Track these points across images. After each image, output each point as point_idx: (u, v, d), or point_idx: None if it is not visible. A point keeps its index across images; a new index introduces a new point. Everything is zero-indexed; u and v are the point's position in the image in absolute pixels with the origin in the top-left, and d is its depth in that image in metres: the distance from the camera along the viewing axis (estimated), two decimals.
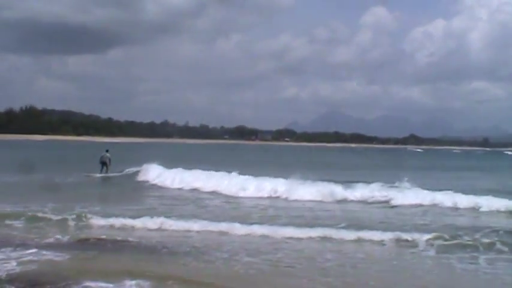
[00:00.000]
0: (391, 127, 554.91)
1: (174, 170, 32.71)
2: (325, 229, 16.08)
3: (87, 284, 10.17)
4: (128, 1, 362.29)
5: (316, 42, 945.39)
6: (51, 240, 14.55)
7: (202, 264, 12.38)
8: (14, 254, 12.51)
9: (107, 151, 37.92)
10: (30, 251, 12.87)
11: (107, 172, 36.73)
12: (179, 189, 29.25)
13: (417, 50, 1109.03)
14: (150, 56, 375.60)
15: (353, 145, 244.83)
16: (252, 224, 17.06)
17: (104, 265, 11.94)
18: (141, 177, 33.87)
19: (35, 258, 12.21)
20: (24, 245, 13.50)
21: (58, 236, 14.89)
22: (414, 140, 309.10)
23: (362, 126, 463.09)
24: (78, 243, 14.25)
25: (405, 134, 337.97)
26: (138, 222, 16.78)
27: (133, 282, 10.33)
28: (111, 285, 10.17)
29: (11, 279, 10.55)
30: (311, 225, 16.94)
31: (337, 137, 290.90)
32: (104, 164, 37.06)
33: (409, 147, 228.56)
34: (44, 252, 12.80)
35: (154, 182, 31.78)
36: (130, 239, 14.85)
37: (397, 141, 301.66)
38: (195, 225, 16.39)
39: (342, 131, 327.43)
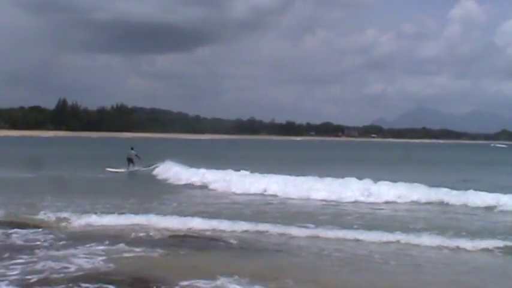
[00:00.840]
0: (482, 122, 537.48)
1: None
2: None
3: (186, 281, 10.14)
4: (215, 0, 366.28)
5: (403, 37, 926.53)
6: (139, 235, 14.75)
7: (296, 259, 12.60)
8: (106, 249, 12.70)
9: (132, 148, 38.88)
10: (120, 246, 13.06)
11: (133, 167, 37.78)
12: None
13: (509, 43, 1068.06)
14: (237, 53, 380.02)
15: (441, 141, 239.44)
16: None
17: (197, 263, 11.96)
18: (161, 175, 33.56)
19: (129, 255, 12.36)
20: (115, 240, 13.71)
21: (143, 233, 15.00)
22: (507, 135, 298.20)
23: (451, 122, 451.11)
24: (166, 240, 14.26)
25: (497, 130, 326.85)
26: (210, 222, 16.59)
27: (231, 279, 10.30)
28: (210, 283, 10.14)
29: (110, 273, 10.68)
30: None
31: (425, 133, 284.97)
32: (130, 160, 38.23)
33: (496, 142, 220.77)
34: (136, 248, 12.91)
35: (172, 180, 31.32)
36: (215, 236, 14.85)
37: (488, 137, 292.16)
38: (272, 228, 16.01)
39: (430, 127, 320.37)
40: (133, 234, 14.79)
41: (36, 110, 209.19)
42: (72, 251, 12.44)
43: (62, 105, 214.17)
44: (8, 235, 14.17)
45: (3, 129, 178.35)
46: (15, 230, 14.74)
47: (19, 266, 11.02)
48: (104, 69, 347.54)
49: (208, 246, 13.76)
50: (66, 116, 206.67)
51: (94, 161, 43.08)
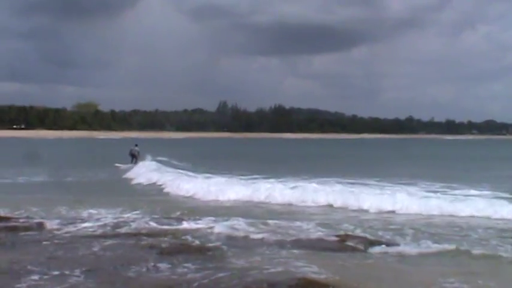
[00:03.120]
0: None
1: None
2: None
3: None
4: None
5: None
6: (300, 237, 13.78)
7: None
8: (281, 253, 11.87)
9: (136, 145, 41.81)
10: (301, 251, 12.15)
11: (136, 163, 38.83)
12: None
13: None
14: (393, 52, 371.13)
15: None
16: None
17: (402, 269, 10.94)
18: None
19: (324, 261, 11.24)
20: (286, 244, 12.86)
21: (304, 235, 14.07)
22: None
23: None
24: (333, 243, 13.11)
25: None
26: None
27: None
28: None
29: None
30: None
31: None
32: (133, 156, 40.54)
33: None
34: (318, 253, 12.09)
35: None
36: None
37: None
38: None
39: None
40: (297, 236, 13.89)
41: (199, 112, 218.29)
42: (258, 256, 11.63)
43: (223, 108, 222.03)
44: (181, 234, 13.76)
45: (169, 131, 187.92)
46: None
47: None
48: (262, 71, 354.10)
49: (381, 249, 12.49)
50: (226, 118, 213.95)
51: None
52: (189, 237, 13.31)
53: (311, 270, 10.24)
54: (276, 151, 76.53)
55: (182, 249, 11.97)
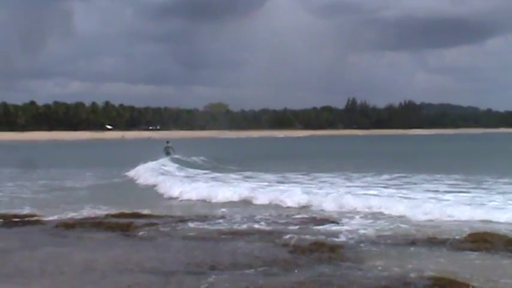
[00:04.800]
0: None
1: None
2: None
3: None
4: None
5: None
6: (428, 234, 13.06)
7: None
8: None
9: (168, 142, 44.97)
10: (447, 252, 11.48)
11: (173, 155, 42.40)
12: None
13: None
14: None
15: None
16: None
17: None
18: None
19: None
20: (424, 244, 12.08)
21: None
22: None
23: None
24: (465, 244, 11.98)
25: None
26: None
27: None
28: None
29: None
30: None
31: None
32: (167, 153, 42.79)
33: None
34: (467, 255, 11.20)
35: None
36: None
37: None
38: None
39: None
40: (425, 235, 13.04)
41: (327, 110, 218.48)
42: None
43: (351, 105, 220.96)
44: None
45: (298, 129, 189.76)
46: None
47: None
48: (390, 66, 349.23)
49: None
50: (355, 115, 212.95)
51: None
52: (320, 236, 13.11)
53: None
54: (408, 148, 73.90)
55: (315, 248, 11.75)
